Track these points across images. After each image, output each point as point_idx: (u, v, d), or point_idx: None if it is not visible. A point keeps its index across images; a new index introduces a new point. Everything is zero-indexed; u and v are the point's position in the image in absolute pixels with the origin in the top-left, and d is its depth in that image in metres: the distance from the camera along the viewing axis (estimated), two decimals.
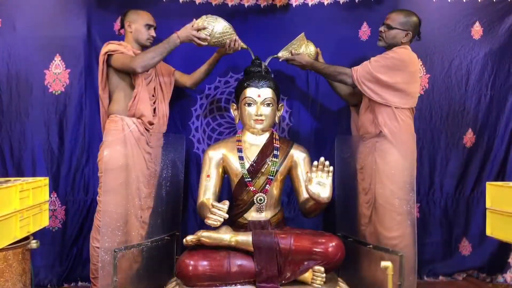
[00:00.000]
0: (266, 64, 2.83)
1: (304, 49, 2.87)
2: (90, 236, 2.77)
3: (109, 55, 2.69)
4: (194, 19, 2.66)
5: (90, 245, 2.74)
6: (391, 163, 2.62)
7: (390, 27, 2.74)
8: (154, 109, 2.85)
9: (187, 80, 3.04)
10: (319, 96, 3.27)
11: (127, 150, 2.63)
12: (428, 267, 3.30)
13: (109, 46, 2.71)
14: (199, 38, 2.62)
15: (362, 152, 2.81)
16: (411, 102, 2.72)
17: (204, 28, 2.62)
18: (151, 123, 2.77)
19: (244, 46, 2.79)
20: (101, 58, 2.71)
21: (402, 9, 2.85)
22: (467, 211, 3.37)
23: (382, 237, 2.62)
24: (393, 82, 2.65)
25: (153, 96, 2.84)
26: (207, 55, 2.96)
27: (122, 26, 2.86)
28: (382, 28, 2.79)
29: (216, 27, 2.64)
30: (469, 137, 3.34)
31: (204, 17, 2.66)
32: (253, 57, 2.83)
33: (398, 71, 2.66)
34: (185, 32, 2.62)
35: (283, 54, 2.87)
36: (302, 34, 2.87)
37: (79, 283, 3.13)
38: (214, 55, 2.94)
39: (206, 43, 2.65)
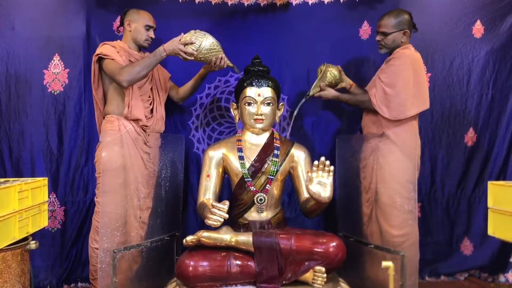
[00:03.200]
0: (298, 107, 2.88)
1: (329, 76, 2.89)
2: (89, 237, 2.76)
3: (100, 58, 2.67)
4: (182, 33, 2.63)
5: (89, 246, 2.73)
6: (393, 163, 2.61)
7: (386, 34, 2.75)
8: (151, 110, 2.83)
9: (174, 94, 3.02)
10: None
11: (124, 151, 2.62)
12: (430, 267, 3.29)
13: (103, 49, 2.68)
14: (185, 53, 2.59)
15: (364, 151, 2.80)
16: (426, 104, 2.72)
17: (191, 43, 2.59)
18: (146, 126, 2.76)
19: (230, 64, 2.76)
20: (94, 59, 2.69)
21: (389, 11, 2.83)
22: (468, 210, 3.36)
23: (388, 235, 2.61)
24: (412, 85, 2.65)
25: (149, 97, 2.82)
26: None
27: (122, 24, 2.85)
28: (378, 37, 2.80)
29: (203, 43, 2.60)
30: (470, 136, 3.33)
31: (192, 31, 2.62)
32: (237, 72, 2.82)
33: (408, 71, 2.66)
34: (172, 45, 2.59)
35: (314, 92, 2.90)
36: (324, 64, 2.90)
37: (79, 284, 3.12)
38: (200, 71, 2.92)
39: (192, 58, 2.62)
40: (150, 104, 2.83)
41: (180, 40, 2.58)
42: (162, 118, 2.89)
